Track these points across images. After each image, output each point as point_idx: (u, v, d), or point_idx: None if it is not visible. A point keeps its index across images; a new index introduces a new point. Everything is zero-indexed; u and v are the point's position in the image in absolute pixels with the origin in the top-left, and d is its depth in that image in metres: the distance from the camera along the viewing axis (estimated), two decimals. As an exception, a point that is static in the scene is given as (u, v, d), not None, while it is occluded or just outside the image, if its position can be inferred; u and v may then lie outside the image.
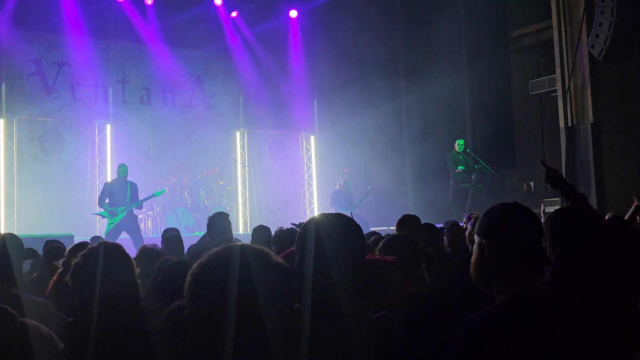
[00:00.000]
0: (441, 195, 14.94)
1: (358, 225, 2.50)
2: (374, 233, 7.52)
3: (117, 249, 2.70)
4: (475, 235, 2.29)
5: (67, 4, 14.84)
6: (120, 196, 11.78)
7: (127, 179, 11.98)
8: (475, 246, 2.28)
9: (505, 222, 2.23)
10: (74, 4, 14.91)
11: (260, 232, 6.83)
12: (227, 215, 6.65)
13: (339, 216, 2.46)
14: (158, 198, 13.52)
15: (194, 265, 1.68)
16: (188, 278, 1.66)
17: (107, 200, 11.82)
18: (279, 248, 5.12)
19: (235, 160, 16.48)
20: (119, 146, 14.77)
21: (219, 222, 6.35)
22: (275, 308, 1.57)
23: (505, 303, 2.16)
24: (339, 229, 2.36)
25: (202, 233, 13.26)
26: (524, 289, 2.15)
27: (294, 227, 6.20)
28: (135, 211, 12.06)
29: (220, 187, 15.70)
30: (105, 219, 12.01)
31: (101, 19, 15.41)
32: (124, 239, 11.53)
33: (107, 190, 11.99)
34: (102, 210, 11.88)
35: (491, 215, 2.28)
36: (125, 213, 11.60)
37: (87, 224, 13.47)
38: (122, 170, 11.93)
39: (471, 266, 2.29)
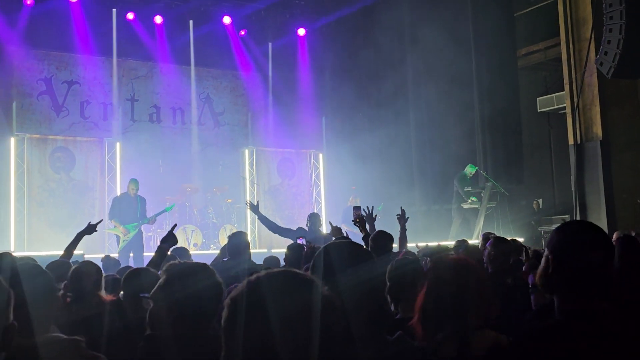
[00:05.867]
0: (450, 212, 14.92)
1: (368, 252, 2.52)
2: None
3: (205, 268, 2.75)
4: (546, 247, 2.39)
5: (78, 23, 14.96)
6: (131, 211, 11.86)
7: (137, 194, 12.08)
8: (544, 257, 2.37)
9: (573, 244, 2.29)
10: (84, 23, 15.04)
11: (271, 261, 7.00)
12: (246, 234, 6.70)
13: (348, 244, 2.48)
14: (167, 215, 13.56)
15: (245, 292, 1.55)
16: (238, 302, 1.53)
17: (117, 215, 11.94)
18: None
19: (244, 178, 16.51)
20: (129, 164, 14.83)
21: (238, 242, 6.38)
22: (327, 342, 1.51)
23: (567, 319, 2.26)
24: (347, 256, 2.37)
25: (210, 251, 13.33)
26: (585, 306, 2.23)
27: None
28: (143, 227, 12.15)
29: (229, 205, 15.73)
30: (115, 237, 12.09)
31: (111, 38, 15.53)
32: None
33: (117, 205, 12.08)
34: (114, 226, 11.96)
35: (562, 232, 2.36)
36: (137, 230, 11.69)
37: (97, 243, 13.49)
38: (134, 186, 12.02)
39: (537, 274, 2.39)
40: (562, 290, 2.29)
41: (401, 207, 7.71)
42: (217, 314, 2.57)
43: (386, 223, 9.13)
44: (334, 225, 7.34)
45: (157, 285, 2.71)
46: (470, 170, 14.56)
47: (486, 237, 6.91)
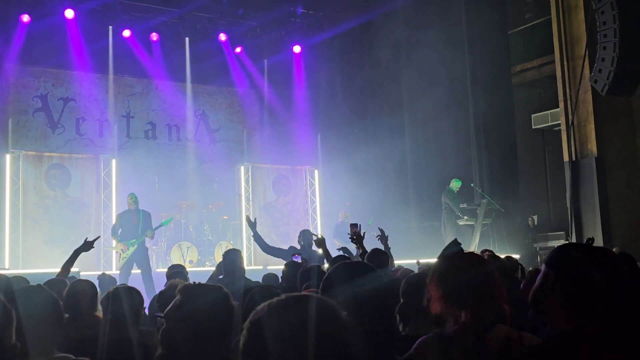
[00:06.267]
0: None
1: (367, 265, 2.53)
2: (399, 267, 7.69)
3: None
4: (544, 264, 2.32)
5: (74, 40, 15.01)
6: (132, 227, 11.81)
7: (140, 208, 12.02)
8: (541, 273, 2.30)
9: (574, 261, 2.24)
10: (80, 40, 15.08)
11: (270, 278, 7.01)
12: (240, 252, 6.69)
13: (347, 263, 2.50)
14: (164, 230, 13.50)
15: (258, 316, 1.60)
16: (250, 329, 1.58)
17: (120, 232, 11.89)
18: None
19: (240, 195, 16.49)
20: (124, 181, 14.81)
21: (231, 259, 6.39)
22: None
23: (564, 339, 2.20)
24: (344, 272, 2.38)
25: (206, 268, 13.29)
26: (581, 327, 2.19)
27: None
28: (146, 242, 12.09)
29: (225, 222, 15.71)
30: (114, 254, 12.05)
31: (107, 55, 15.61)
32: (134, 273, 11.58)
33: (120, 222, 12.04)
34: (115, 244, 11.93)
35: (564, 249, 2.32)
36: (136, 246, 11.62)
37: (92, 260, 13.44)
38: (132, 200, 11.99)
39: (531, 291, 2.32)
40: (559, 309, 2.24)
41: (379, 228, 7.71)
42: (229, 336, 2.61)
43: (373, 238, 9.13)
44: (319, 236, 7.29)
45: (171, 305, 2.76)
46: (456, 184, 14.57)
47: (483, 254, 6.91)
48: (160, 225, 12.47)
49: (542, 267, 2.33)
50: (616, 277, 2.24)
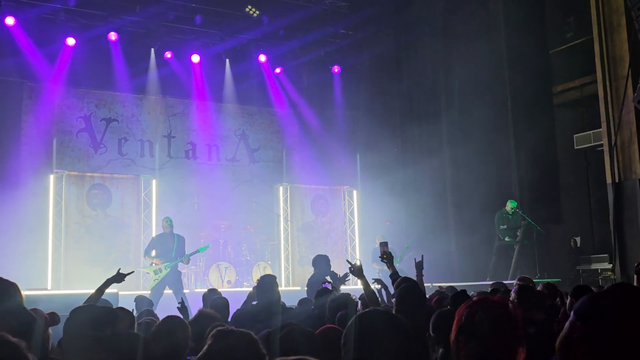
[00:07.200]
0: (485, 251, 14.75)
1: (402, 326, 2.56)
2: (438, 292, 7.56)
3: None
4: (573, 312, 2.14)
5: (117, 62, 15.32)
6: (166, 251, 11.87)
7: (174, 232, 12.09)
8: (568, 322, 2.12)
9: (605, 314, 2.07)
10: (123, 62, 15.38)
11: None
12: (275, 277, 6.73)
13: (386, 317, 2.53)
14: (202, 252, 13.60)
15: None
16: None
17: (153, 253, 11.96)
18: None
19: (279, 215, 16.51)
20: (164, 201, 14.95)
21: (266, 285, 6.44)
22: None
23: None
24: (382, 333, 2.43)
25: (243, 288, 13.33)
26: None
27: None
28: (180, 266, 12.11)
29: (263, 242, 15.75)
30: (149, 274, 12.12)
31: (149, 76, 15.87)
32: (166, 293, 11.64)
33: (154, 244, 12.12)
34: (150, 264, 11.99)
35: (596, 300, 2.12)
36: (169, 269, 11.69)
37: (131, 280, 13.49)
38: (167, 223, 12.07)
39: (558, 340, 2.15)
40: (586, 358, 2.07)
41: (422, 255, 7.34)
42: None
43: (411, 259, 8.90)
44: (356, 264, 7.03)
45: (203, 350, 2.86)
46: (510, 205, 14.31)
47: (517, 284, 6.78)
48: (196, 252, 12.51)
49: (571, 315, 2.14)
50: None
